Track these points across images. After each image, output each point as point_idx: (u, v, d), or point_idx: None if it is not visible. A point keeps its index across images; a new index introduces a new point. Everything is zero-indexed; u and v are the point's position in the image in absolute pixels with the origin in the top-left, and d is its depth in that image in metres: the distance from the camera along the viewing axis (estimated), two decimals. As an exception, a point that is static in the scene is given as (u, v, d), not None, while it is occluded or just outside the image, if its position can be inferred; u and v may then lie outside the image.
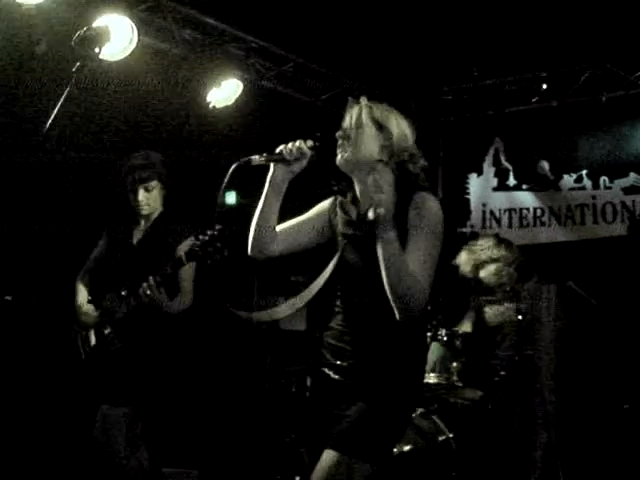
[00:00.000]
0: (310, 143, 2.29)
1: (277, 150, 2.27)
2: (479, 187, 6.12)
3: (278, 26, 4.82)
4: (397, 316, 2.07)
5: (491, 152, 6.09)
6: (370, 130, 2.27)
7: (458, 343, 4.01)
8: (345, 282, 2.35)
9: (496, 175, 6.07)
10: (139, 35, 3.89)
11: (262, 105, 5.12)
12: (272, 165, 2.30)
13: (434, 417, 3.98)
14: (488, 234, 4.75)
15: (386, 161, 2.24)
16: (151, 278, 3.21)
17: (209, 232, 2.82)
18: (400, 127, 2.29)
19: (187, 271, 3.43)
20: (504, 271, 4.35)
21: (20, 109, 4.16)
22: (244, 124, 4.90)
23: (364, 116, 2.29)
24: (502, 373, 4.22)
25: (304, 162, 2.29)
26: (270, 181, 2.31)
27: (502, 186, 6.03)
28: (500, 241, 4.52)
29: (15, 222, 4.30)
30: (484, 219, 6.07)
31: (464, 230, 6.08)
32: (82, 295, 3.61)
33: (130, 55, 3.87)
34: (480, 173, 6.14)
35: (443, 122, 6.20)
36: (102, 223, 3.75)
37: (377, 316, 2.18)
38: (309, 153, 2.27)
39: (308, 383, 4.84)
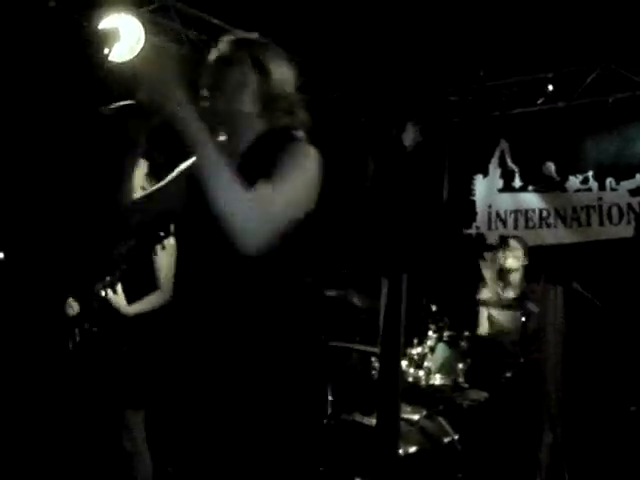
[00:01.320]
0: None
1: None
2: (485, 188, 6.12)
3: (283, 28, 4.82)
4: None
5: (497, 153, 6.09)
6: (243, 71, 1.80)
7: (463, 344, 4.01)
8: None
9: (502, 176, 6.07)
10: (146, 35, 3.90)
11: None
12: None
13: (439, 418, 3.97)
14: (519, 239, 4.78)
15: (259, 113, 1.81)
16: (107, 278, 3.16)
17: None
18: (281, 70, 1.86)
19: (163, 263, 3.31)
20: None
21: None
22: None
23: (237, 52, 1.83)
24: (507, 374, 4.23)
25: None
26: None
27: (508, 187, 6.03)
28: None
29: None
30: (490, 220, 6.07)
31: (470, 232, 6.08)
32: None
33: (136, 55, 3.87)
34: (486, 174, 6.14)
35: (449, 123, 6.20)
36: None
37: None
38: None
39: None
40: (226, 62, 1.82)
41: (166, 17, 4.44)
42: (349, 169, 5.81)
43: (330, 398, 4.56)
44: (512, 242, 4.66)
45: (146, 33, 3.92)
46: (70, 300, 3.41)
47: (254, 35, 1.92)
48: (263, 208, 1.56)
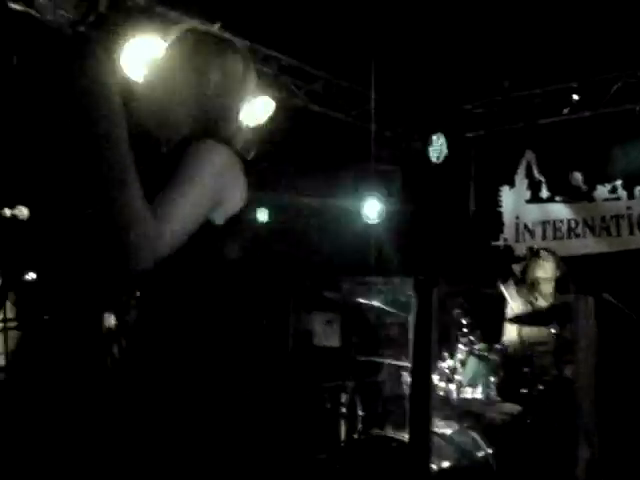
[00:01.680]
0: None
1: None
2: (512, 200, 6.09)
3: (307, 44, 4.87)
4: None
5: (523, 164, 6.06)
6: (184, 79, 1.66)
7: (495, 357, 3.97)
8: None
9: (529, 187, 6.03)
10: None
11: (294, 123, 5.17)
12: None
13: (472, 432, 3.93)
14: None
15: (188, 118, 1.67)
16: None
17: None
18: (223, 72, 1.69)
19: None
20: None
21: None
22: (276, 142, 4.93)
23: (180, 55, 1.66)
24: (540, 387, 4.17)
25: None
26: None
27: (535, 198, 5.99)
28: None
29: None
30: (517, 232, 6.03)
31: (498, 244, 6.04)
32: None
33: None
34: (512, 186, 6.11)
35: (473, 136, 6.19)
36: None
37: None
38: None
39: (342, 400, 4.84)
40: (167, 60, 1.67)
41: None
42: (377, 183, 5.82)
43: (361, 413, 4.55)
44: (542, 253, 4.62)
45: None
46: (106, 314, 3.45)
47: (207, 27, 1.79)
48: (158, 223, 1.43)
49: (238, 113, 1.75)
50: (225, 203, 1.58)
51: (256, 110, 4.59)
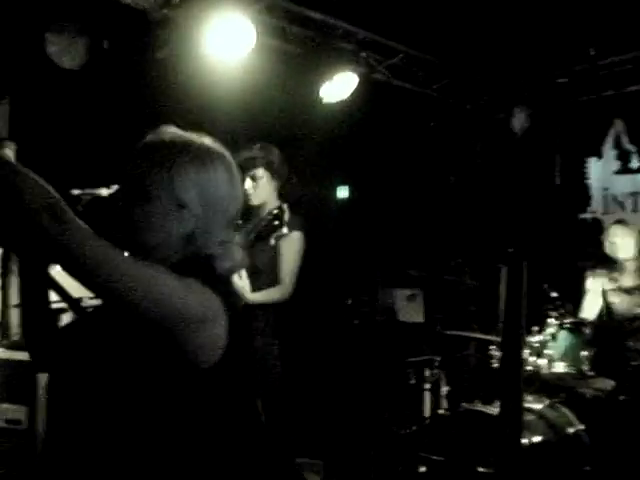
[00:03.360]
0: None
1: None
2: (600, 171, 5.89)
3: (386, 18, 4.82)
4: None
5: (611, 134, 5.84)
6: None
7: (587, 332, 3.88)
8: None
9: (618, 158, 5.81)
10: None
11: (375, 98, 5.14)
12: None
13: (563, 408, 3.86)
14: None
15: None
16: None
17: (272, 211, 2.82)
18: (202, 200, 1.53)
19: (286, 258, 3.40)
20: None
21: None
22: (358, 118, 4.93)
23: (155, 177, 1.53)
24: (634, 363, 4.05)
25: None
26: None
27: (625, 169, 5.78)
28: None
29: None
30: (606, 204, 5.83)
31: (585, 216, 5.87)
32: None
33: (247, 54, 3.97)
34: (600, 157, 5.91)
35: (559, 106, 6.00)
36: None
37: None
38: None
39: (426, 374, 4.84)
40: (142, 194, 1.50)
41: (273, 15, 4.51)
42: (458, 158, 5.75)
43: (446, 388, 4.54)
44: (621, 227, 4.47)
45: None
46: None
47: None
48: None
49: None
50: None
51: (338, 86, 4.59)
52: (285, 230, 2.82)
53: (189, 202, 1.49)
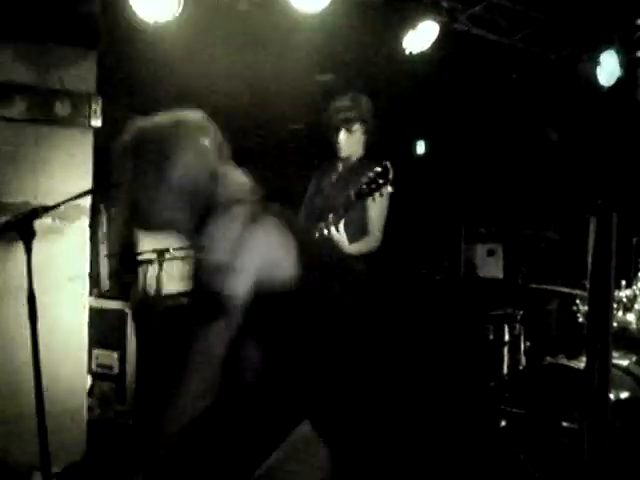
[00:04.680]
0: None
1: None
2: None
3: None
4: None
5: None
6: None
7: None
8: None
9: None
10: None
11: (456, 48, 5.01)
12: None
13: (652, 365, 3.77)
14: None
15: None
16: (330, 216, 3.25)
17: (375, 169, 2.82)
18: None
19: (375, 211, 3.44)
20: None
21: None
22: (440, 69, 4.82)
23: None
24: None
25: None
26: None
27: None
28: None
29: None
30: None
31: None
32: None
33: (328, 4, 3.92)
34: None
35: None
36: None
37: None
38: None
39: (506, 331, 4.77)
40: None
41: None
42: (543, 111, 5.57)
43: (525, 344, 4.47)
44: None
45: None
46: None
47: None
48: None
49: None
50: None
51: (420, 36, 4.49)
52: (390, 189, 2.84)
53: None
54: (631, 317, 3.76)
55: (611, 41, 5.34)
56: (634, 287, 3.78)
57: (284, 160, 5.45)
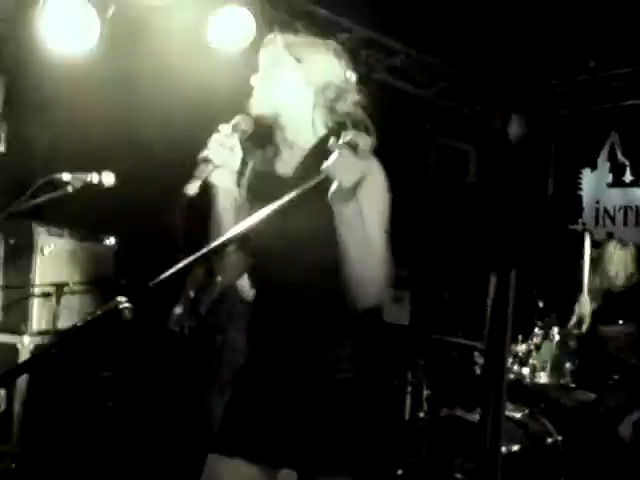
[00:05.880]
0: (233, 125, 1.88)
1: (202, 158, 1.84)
2: (593, 183, 5.90)
3: (391, 18, 4.79)
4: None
5: (607, 146, 5.85)
6: (289, 68, 1.90)
7: (572, 344, 3.89)
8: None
9: (611, 170, 5.82)
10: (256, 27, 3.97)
11: (374, 98, 5.11)
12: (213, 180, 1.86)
13: (543, 418, 3.87)
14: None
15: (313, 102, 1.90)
16: None
17: None
18: (323, 61, 1.93)
19: None
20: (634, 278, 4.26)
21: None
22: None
23: (282, 53, 1.92)
24: (616, 377, 4.07)
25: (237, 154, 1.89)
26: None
27: (618, 182, 5.79)
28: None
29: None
30: (597, 216, 5.85)
31: (575, 227, 5.88)
32: None
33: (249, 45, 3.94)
34: (594, 168, 5.91)
35: (555, 115, 6.00)
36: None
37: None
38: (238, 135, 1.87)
39: (409, 377, 4.83)
40: (274, 63, 1.92)
41: (275, 9, 4.48)
42: (451, 163, 5.73)
43: (427, 392, 4.54)
44: (616, 243, 4.47)
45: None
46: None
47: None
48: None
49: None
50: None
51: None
52: None
53: None
54: (526, 371, 3.87)
55: (520, 100, 5.59)
56: (530, 342, 3.90)
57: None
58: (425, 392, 4.53)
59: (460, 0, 4.53)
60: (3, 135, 3.67)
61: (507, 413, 3.68)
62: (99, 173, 3.19)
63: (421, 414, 4.46)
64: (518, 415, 3.80)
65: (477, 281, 4.75)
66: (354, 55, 4.81)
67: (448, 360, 4.60)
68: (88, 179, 3.09)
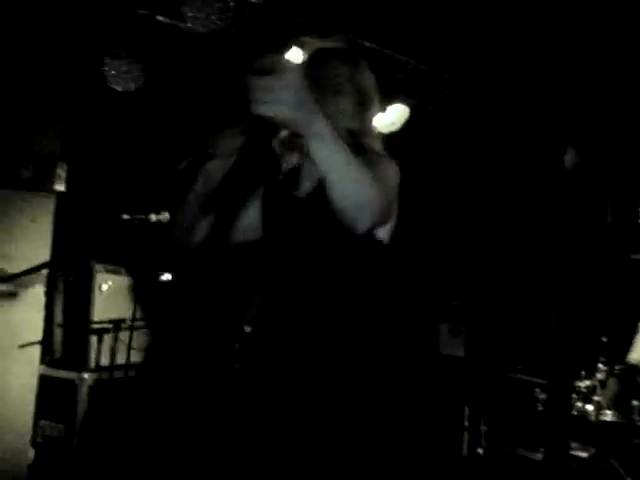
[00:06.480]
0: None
1: None
2: (654, 211, 5.73)
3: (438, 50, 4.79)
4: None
5: (667, 174, 5.70)
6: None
7: (639, 379, 3.74)
8: None
9: (672, 198, 5.65)
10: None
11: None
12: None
13: (610, 458, 3.73)
14: None
15: None
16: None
17: None
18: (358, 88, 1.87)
19: None
20: None
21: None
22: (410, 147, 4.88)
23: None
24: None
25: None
26: None
27: (679, 211, 5.61)
28: None
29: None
30: (659, 245, 5.66)
31: (638, 257, 5.70)
32: None
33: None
34: (654, 197, 5.75)
35: (612, 144, 5.87)
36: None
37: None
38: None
39: (466, 411, 4.73)
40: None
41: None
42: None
43: (484, 428, 4.42)
44: None
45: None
46: None
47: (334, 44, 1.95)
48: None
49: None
50: None
51: (389, 116, 4.56)
52: None
53: None
54: (590, 408, 3.74)
55: (576, 130, 5.50)
56: (594, 378, 3.77)
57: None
58: (483, 427, 4.42)
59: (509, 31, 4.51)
60: (64, 174, 3.76)
61: (571, 452, 3.57)
62: (157, 212, 3.24)
63: (480, 450, 4.35)
64: (584, 454, 3.67)
65: (536, 314, 4.67)
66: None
67: (507, 395, 4.48)
68: (146, 217, 3.13)
